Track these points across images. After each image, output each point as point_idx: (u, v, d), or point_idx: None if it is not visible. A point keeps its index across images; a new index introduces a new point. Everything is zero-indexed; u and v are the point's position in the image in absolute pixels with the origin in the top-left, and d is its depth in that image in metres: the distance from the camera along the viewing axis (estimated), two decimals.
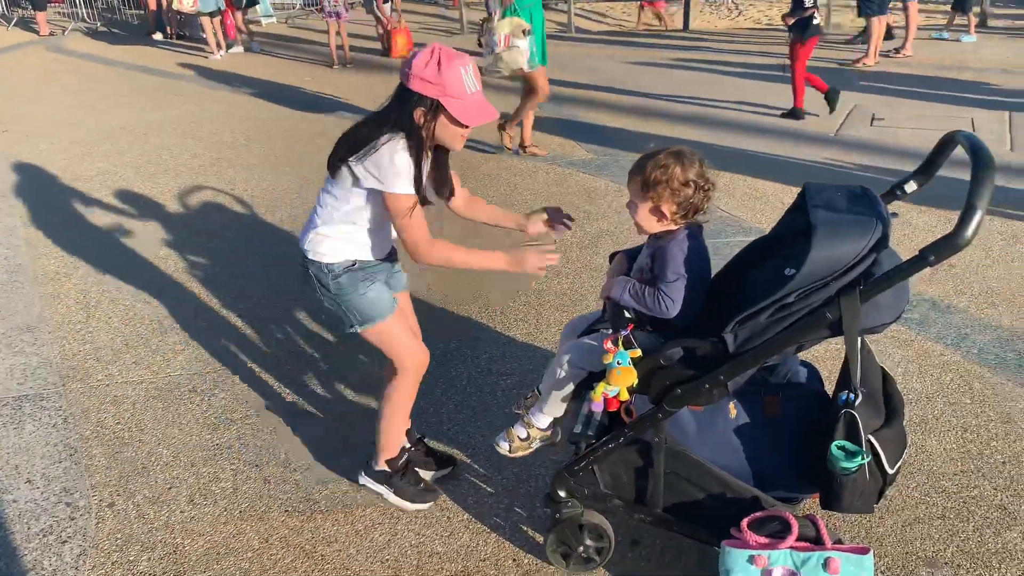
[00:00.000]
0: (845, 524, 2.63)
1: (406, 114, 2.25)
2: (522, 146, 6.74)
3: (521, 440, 2.49)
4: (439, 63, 2.20)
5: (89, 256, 4.93)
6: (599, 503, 2.39)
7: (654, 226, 2.22)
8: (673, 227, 2.21)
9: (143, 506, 2.85)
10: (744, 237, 4.84)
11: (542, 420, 2.47)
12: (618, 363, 2.09)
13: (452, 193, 2.61)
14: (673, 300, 2.13)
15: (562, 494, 2.39)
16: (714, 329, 2.04)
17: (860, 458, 1.94)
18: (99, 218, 5.55)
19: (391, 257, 2.66)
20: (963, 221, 1.62)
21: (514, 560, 2.56)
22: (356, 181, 2.31)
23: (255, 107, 8.62)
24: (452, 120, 2.27)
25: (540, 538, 2.62)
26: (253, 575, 2.54)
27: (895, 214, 1.97)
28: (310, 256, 2.49)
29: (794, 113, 7.40)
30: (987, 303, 3.97)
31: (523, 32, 5.90)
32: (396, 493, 2.77)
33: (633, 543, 2.59)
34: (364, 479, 2.82)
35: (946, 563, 2.48)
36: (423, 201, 2.39)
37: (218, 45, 11.71)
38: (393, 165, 2.23)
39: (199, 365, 3.72)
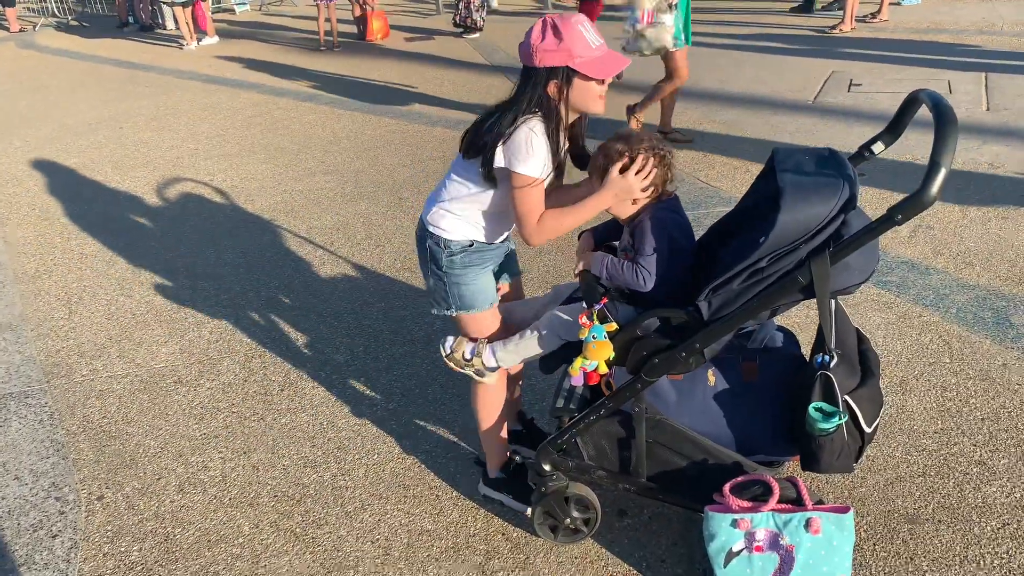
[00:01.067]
0: (828, 485, 2.67)
1: (539, 92, 2.16)
2: (662, 131, 6.16)
3: (464, 358, 2.46)
4: (555, 29, 2.11)
5: (69, 252, 4.90)
6: (584, 475, 2.41)
7: (630, 210, 2.25)
8: (655, 200, 2.24)
9: (132, 497, 2.86)
10: (724, 207, 4.86)
11: (490, 358, 2.46)
12: (593, 337, 2.11)
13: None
14: (649, 272, 2.15)
15: (547, 467, 2.42)
16: (690, 298, 2.06)
17: (837, 418, 1.97)
18: (77, 214, 5.51)
19: (506, 240, 2.55)
20: (928, 179, 1.64)
21: (503, 535, 2.59)
22: (489, 162, 2.22)
23: (230, 96, 8.55)
24: (587, 79, 2.16)
25: (528, 512, 2.65)
26: (245, 560, 2.56)
27: (863, 175, 1.99)
28: (430, 229, 2.40)
29: None
30: (964, 263, 4.01)
31: (668, 6, 5.44)
32: (516, 498, 2.67)
33: (620, 513, 2.62)
34: (483, 488, 2.73)
35: (927, 519, 2.53)
36: (557, 176, 2.31)
37: (191, 35, 11.58)
38: (530, 147, 2.13)
39: (183, 357, 3.71)
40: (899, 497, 2.62)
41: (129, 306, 4.20)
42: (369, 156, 6.30)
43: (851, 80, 7.40)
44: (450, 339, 2.50)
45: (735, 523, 2.13)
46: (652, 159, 2.19)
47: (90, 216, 5.46)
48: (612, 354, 2.10)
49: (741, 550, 2.14)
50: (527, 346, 2.40)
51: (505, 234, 2.50)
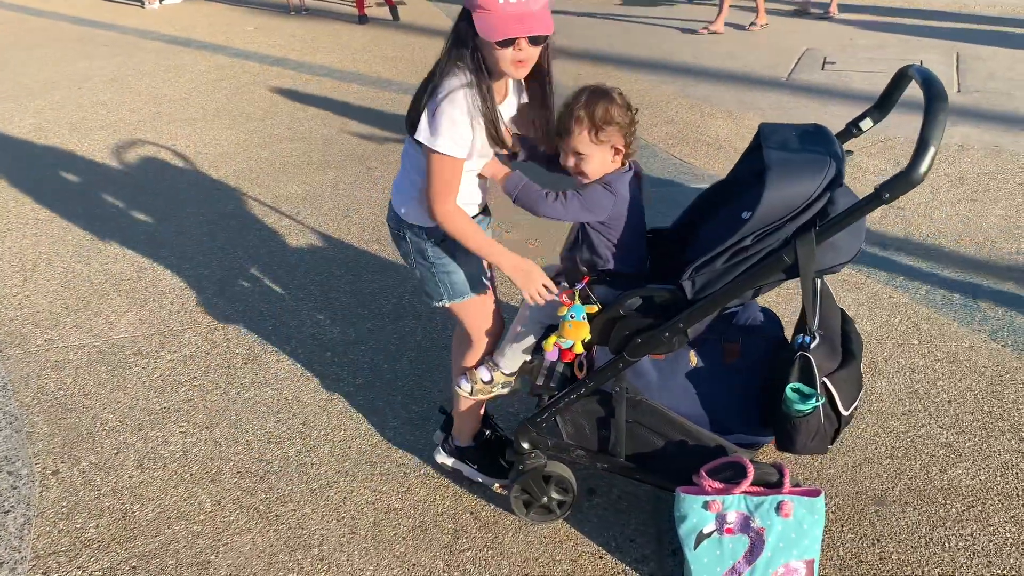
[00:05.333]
0: (796, 466, 2.67)
1: (460, 35, 1.89)
2: None
3: (484, 383, 2.42)
4: None
5: (23, 218, 4.72)
6: (562, 453, 2.38)
7: (610, 166, 2.17)
8: (621, 164, 2.18)
9: (89, 473, 2.76)
10: (697, 184, 4.83)
11: (506, 367, 2.43)
12: (571, 316, 2.06)
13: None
14: (566, 204, 2.13)
15: (525, 445, 2.37)
16: (673, 277, 2.01)
17: (814, 400, 1.95)
18: (33, 177, 5.30)
19: (486, 211, 2.37)
20: (917, 157, 1.61)
21: (472, 513, 2.55)
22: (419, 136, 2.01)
23: (194, 58, 8.28)
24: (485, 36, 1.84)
25: (496, 486, 2.61)
26: (206, 537, 2.49)
27: (850, 152, 1.95)
28: (408, 220, 2.22)
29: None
30: (934, 245, 4.03)
31: None
32: (480, 470, 2.61)
33: (589, 492, 2.59)
34: (440, 456, 2.64)
35: (894, 501, 2.54)
36: (510, 153, 2.13)
37: None
38: (441, 113, 1.90)
39: (143, 327, 3.60)
40: (867, 479, 2.63)
41: (87, 274, 4.06)
42: (337, 124, 6.16)
43: (825, 58, 7.38)
44: (461, 380, 2.44)
45: (706, 505, 2.11)
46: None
47: (46, 180, 5.25)
48: (588, 336, 2.06)
49: (712, 532, 2.12)
50: (518, 338, 2.35)
51: (483, 201, 2.33)
